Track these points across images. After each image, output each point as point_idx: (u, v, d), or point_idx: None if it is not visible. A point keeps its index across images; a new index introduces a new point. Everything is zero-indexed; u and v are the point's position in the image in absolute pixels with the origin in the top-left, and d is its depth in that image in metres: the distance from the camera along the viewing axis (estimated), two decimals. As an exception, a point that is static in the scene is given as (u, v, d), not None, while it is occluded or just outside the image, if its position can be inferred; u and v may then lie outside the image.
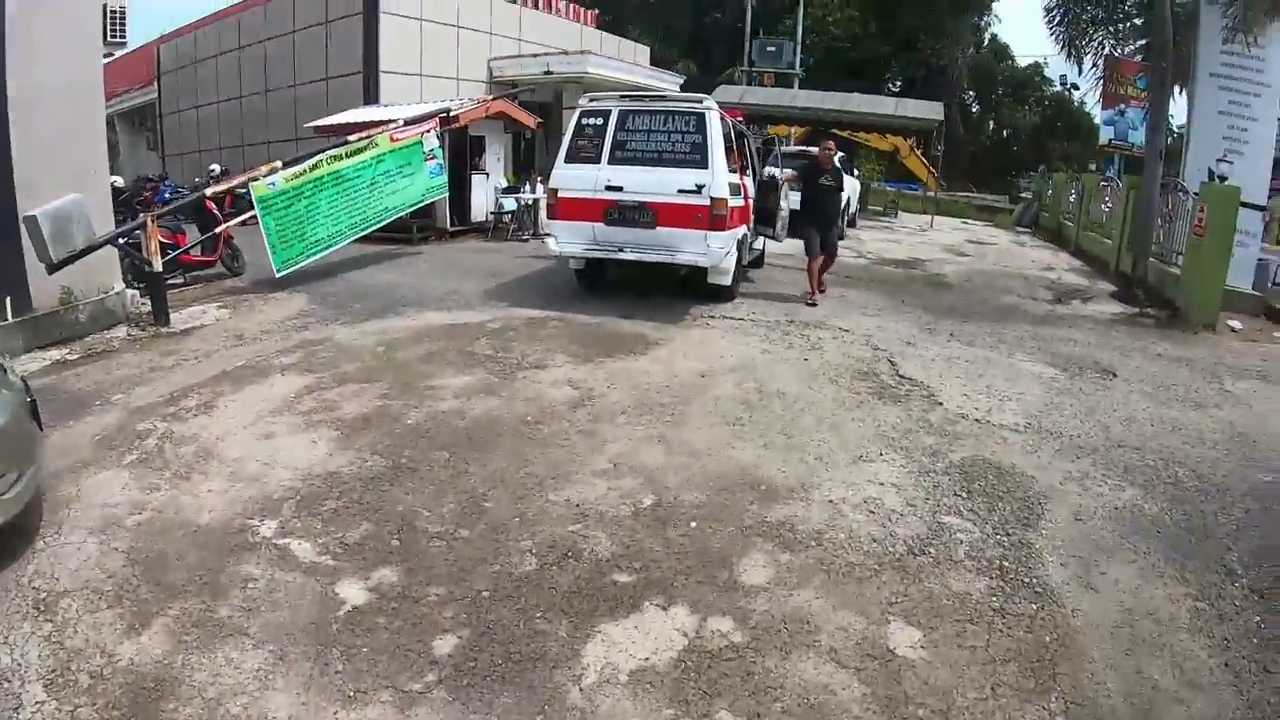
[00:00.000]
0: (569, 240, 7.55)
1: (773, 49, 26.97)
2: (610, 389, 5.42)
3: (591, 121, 7.57)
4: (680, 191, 7.06)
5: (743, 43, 27.69)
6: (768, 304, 8.27)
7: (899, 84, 34.18)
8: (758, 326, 7.28)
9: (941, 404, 5.37)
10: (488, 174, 13.64)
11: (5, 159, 6.62)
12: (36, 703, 2.65)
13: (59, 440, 4.86)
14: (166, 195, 12.15)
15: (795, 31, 27.61)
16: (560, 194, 7.51)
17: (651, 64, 23.59)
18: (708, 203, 7.00)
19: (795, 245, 9.07)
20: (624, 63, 20.38)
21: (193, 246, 9.64)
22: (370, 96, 15.82)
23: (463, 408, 5.08)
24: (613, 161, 7.27)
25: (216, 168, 14.00)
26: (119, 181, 18.25)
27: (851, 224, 15.42)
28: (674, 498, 3.99)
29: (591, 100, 7.71)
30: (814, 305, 8.05)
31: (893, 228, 18.79)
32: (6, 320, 6.78)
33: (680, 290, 8.23)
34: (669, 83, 20.83)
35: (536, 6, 20.14)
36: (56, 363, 6.67)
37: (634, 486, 4.08)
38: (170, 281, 9.42)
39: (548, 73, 17.48)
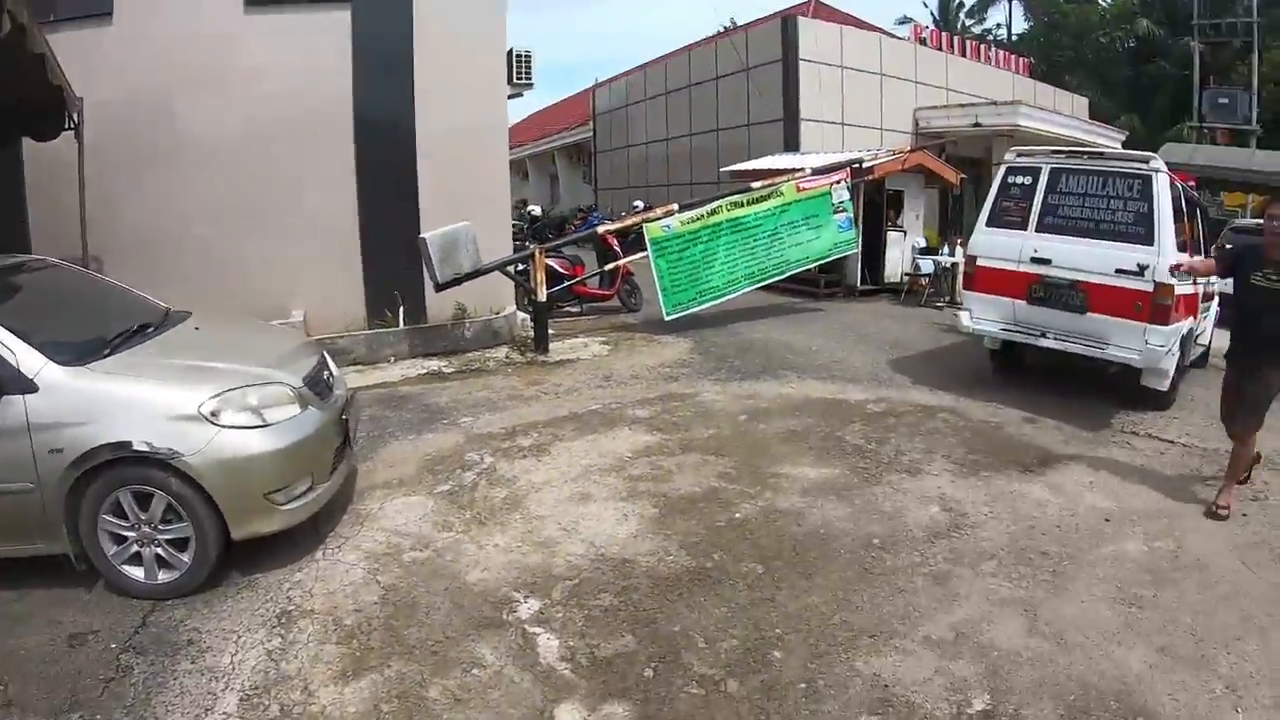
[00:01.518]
0: (984, 317, 7.95)
1: (1225, 100, 27.87)
2: (987, 518, 5.00)
3: (1018, 180, 7.83)
4: (1118, 272, 7.06)
5: (1190, 94, 28.46)
6: (1208, 421, 6.99)
7: (1380, 145, 32.40)
8: (1191, 455, 6.47)
9: None
10: (905, 232, 14.72)
11: (412, 187, 9.29)
12: (224, 713, 3.23)
13: (392, 452, 6.06)
14: (593, 225, 14.59)
15: (1250, 80, 27.39)
16: (979, 262, 7.97)
17: (1090, 118, 25.79)
18: (1151, 288, 6.93)
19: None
20: (1059, 115, 22.31)
21: (588, 278, 11.61)
22: (790, 144, 18.21)
23: (804, 510, 4.96)
24: (1041, 228, 7.58)
25: (640, 204, 16.88)
26: (536, 210, 22.80)
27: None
28: (1014, 709, 3.32)
29: (1019, 156, 8.03)
30: (1222, 518, 5.48)
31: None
32: (398, 326, 9.07)
33: (1103, 388, 8.01)
34: (1109, 139, 22.60)
35: (964, 54, 22.81)
36: (431, 373, 8.42)
37: (969, 675, 3.51)
38: (566, 309, 11.46)
39: (976, 125, 19.61)
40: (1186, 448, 6.61)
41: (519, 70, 11.19)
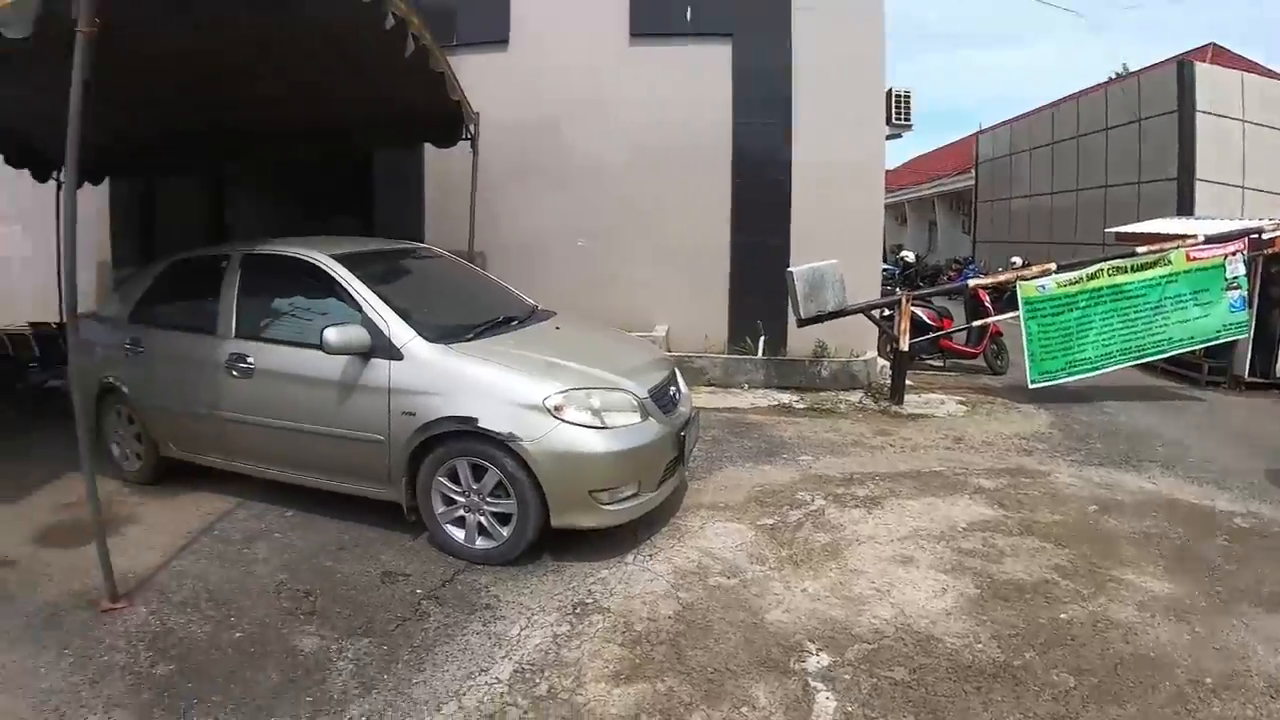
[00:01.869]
0: None
1: None
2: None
3: None
4: None
5: None
6: None
7: None
8: None
9: None
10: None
11: (784, 221, 9.43)
12: (496, 678, 3.47)
13: (726, 477, 6.14)
14: (967, 278, 13.93)
15: None
16: None
17: None
18: None
19: None
20: None
21: (954, 333, 11.04)
22: (1184, 206, 15.91)
23: (1136, 626, 4.17)
24: None
25: (1018, 260, 15.54)
26: (909, 256, 21.87)
27: None
28: None
29: None
30: None
31: None
32: (756, 355, 9.24)
33: None
34: None
35: None
36: (781, 405, 8.42)
37: None
38: (928, 362, 11.03)
39: None
40: None
41: (898, 110, 10.98)
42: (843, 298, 8.39)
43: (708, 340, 9.43)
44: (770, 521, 5.28)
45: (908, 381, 8.95)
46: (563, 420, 4.40)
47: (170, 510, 5.42)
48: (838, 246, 8.77)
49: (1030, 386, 9.00)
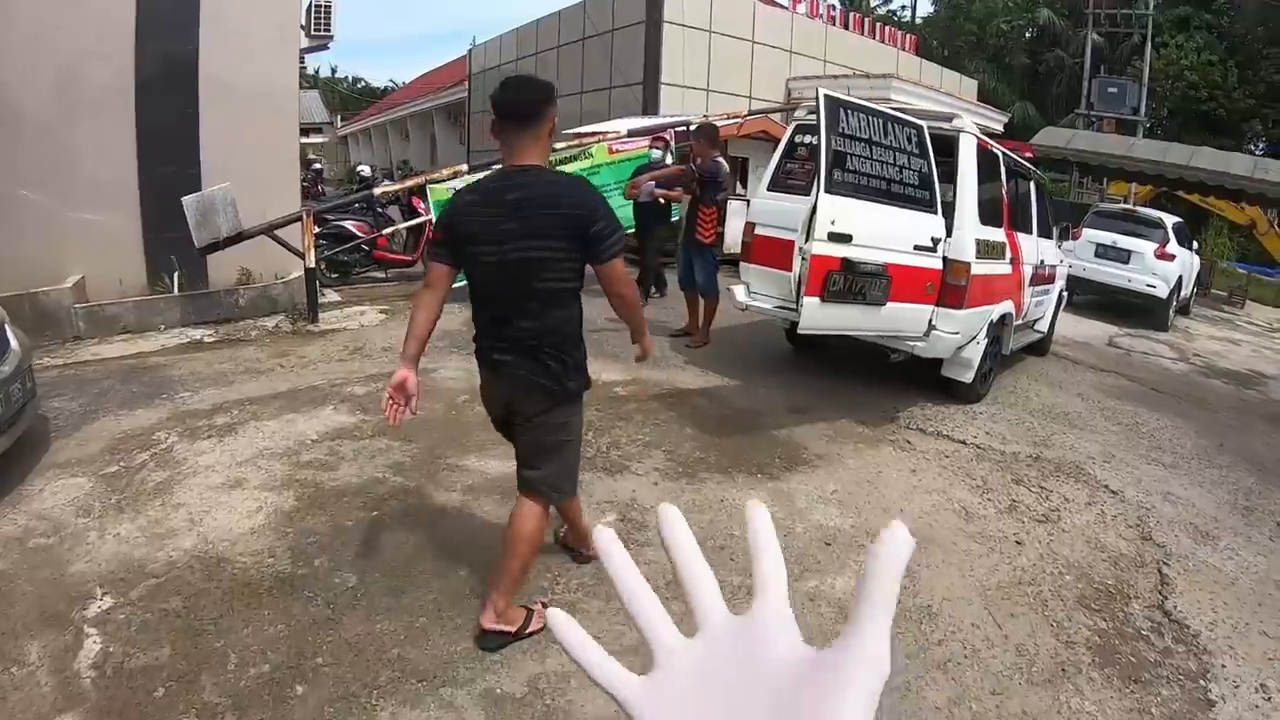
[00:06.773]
0: (762, 293, 7.52)
1: (1114, 90, 30.18)
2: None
3: (805, 140, 7.45)
4: (917, 249, 6.32)
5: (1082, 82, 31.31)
6: (1023, 419, 7.37)
7: (1261, 145, 35.35)
8: (984, 460, 6.31)
9: (1214, 705, 3.68)
10: (748, 200, 14.24)
11: (194, 150, 9.29)
12: None
13: (94, 429, 5.91)
14: (371, 187, 14.65)
15: (1142, 73, 30.10)
16: (757, 231, 7.56)
17: (980, 100, 27.07)
18: (939, 266, 6.42)
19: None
20: (936, 92, 22.70)
21: (385, 240, 11.64)
22: (649, 108, 18.26)
23: (456, 507, 4.94)
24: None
25: (464, 168, 16.48)
26: (365, 171, 22.56)
27: (1184, 311, 17.17)
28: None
29: (810, 113, 6.80)
30: None
31: (1235, 322, 19.25)
32: (172, 293, 9.04)
33: (906, 376, 7.91)
34: (992, 120, 24.39)
35: (847, 26, 23.67)
36: (192, 343, 8.36)
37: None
38: (370, 274, 11.53)
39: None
40: (979, 450, 6.51)
41: (318, 22, 11.14)
42: (236, 222, 8.41)
43: (123, 285, 9.04)
44: (114, 469, 5.21)
45: (336, 297, 9.38)
46: None
47: None
48: (254, 172, 8.92)
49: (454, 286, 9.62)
